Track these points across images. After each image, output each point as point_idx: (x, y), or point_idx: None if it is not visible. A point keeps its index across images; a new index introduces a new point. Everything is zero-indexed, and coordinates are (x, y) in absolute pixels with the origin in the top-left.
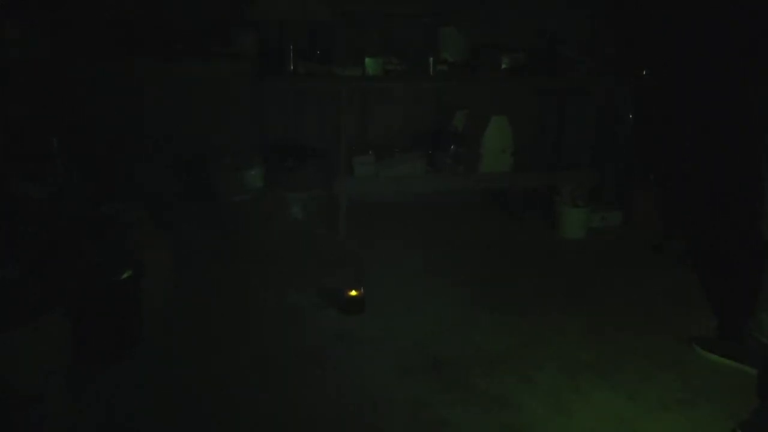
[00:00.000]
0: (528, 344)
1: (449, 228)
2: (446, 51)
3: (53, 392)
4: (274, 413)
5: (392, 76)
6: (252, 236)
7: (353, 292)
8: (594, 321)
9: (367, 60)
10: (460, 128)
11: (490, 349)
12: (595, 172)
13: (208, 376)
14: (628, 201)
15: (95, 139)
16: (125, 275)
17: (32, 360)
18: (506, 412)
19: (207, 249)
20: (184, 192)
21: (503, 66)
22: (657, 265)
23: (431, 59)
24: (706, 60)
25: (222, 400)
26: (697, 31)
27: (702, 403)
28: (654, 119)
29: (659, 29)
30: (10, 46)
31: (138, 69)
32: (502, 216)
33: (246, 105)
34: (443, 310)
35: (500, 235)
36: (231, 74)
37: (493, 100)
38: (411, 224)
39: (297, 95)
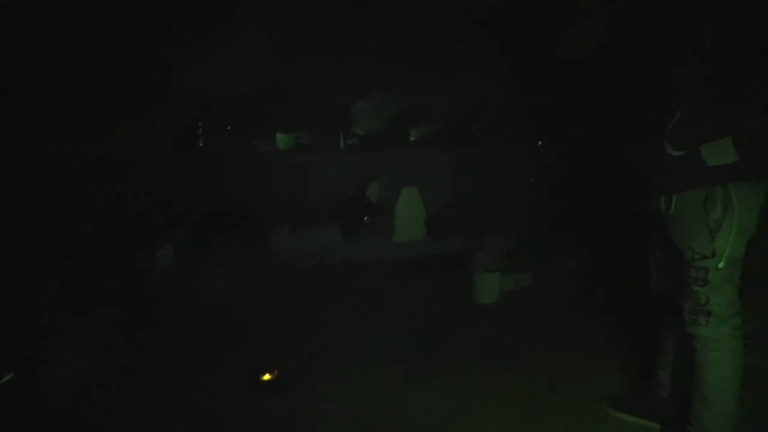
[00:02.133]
0: (456, 412)
1: (370, 296)
2: (359, 124)
3: None
4: None
5: (304, 150)
6: (169, 313)
7: (268, 376)
8: (516, 383)
9: (279, 136)
10: (374, 199)
11: (419, 418)
12: (507, 236)
13: None
14: (541, 262)
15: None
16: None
17: None
18: None
19: (122, 330)
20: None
21: (413, 138)
22: (571, 323)
23: (342, 133)
24: (602, 130)
25: None
26: (595, 103)
27: None
28: (559, 184)
29: (563, 100)
30: None
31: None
32: (421, 282)
33: (163, 174)
34: (368, 381)
35: (419, 301)
36: (142, 148)
37: (406, 170)
38: (330, 293)
39: (215, 167)
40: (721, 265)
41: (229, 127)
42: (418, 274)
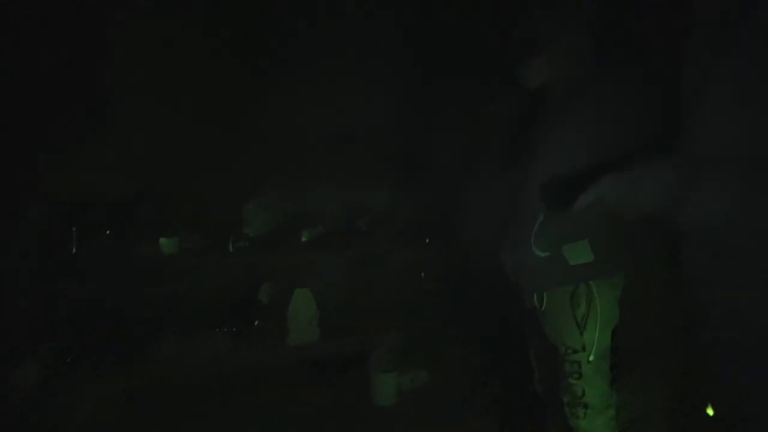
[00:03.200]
0: None
1: (263, 404)
2: (248, 225)
3: None
4: None
5: (190, 254)
6: None
7: None
8: None
9: (163, 240)
10: (266, 301)
11: None
12: (403, 334)
13: None
14: (437, 358)
15: None
16: None
17: None
18: None
19: None
20: None
21: (304, 239)
22: (467, 420)
23: (231, 235)
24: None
25: None
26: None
27: None
28: (448, 279)
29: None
30: None
31: None
32: (317, 385)
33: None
34: None
35: (314, 407)
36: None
37: (298, 272)
38: (220, 403)
39: (91, 274)
40: (591, 357)
41: (107, 231)
42: (313, 377)
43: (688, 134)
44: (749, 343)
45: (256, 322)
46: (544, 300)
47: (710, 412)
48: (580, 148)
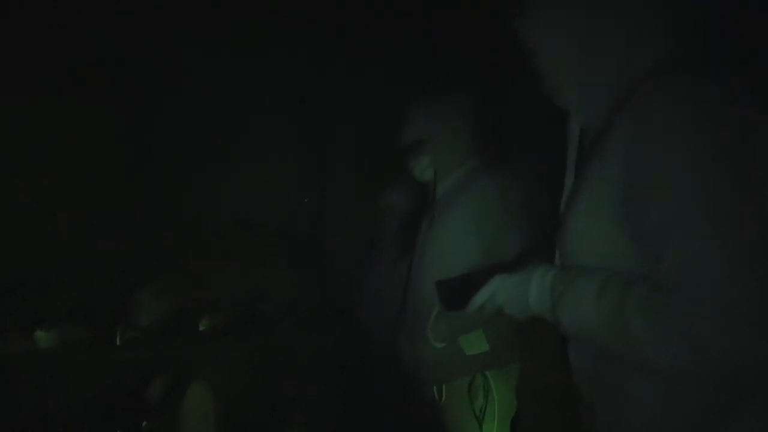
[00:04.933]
0: None
1: None
2: (141, 315)
3: None
4: None
5: (72, 348)
6: None
7: None
8: None
9: (40, 333)
10: (156, 399)
11: None
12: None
13: None
14: None
15: None
16: None
17: None
18: None
19: None
20: None
21: (202, 328)
22: None
23: (119, 327)
24: None
25: None
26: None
27: None
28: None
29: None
30: None
31: None
32: None
33: None
34: None
35: None
36: None
37: (195, 363)
38: None
39: None
40: None
41: None
42: None
43: (560, 240)
44: None
45: (144, 423)
46: (443, 392)
47: None
48: (468, 245)
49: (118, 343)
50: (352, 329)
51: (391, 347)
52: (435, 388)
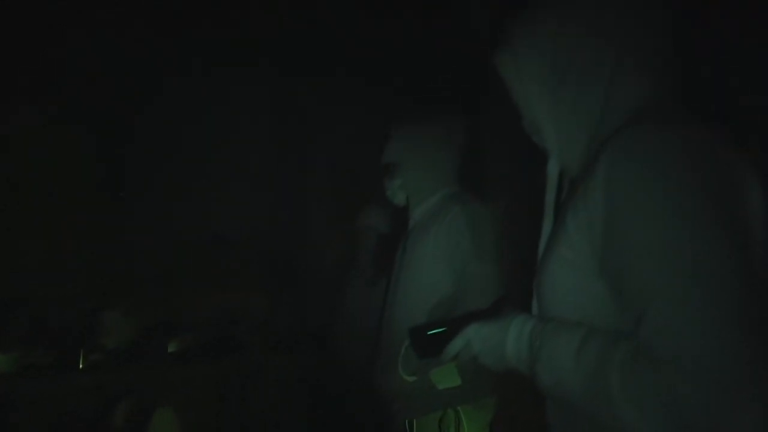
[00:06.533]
0: None
1: None
2: (107, 336)
3: None
4: None
5: (31, 372)
6: None
7: None
8: None
9: None
10: (121, 423)
11: None
12: None
13: None
14: None
15: None
16: None
17: None
18: None
19: None
20: None
21: (171, 349)
22: None
23: (82, 349)
24: None
25: None
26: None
27: None
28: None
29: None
30: None
31: None
32: None
33: None
34: None
35: None
36: None
37: (163, 387)
38: None
39: None
40: None
41: None
42: None
43: (538, 289)
44: None
45: None
46: (414, 426)
47: None
48: (439, 275)
49: (81, 366)
50: (327, 353)
51: (365, 374)
52: (407, 422)
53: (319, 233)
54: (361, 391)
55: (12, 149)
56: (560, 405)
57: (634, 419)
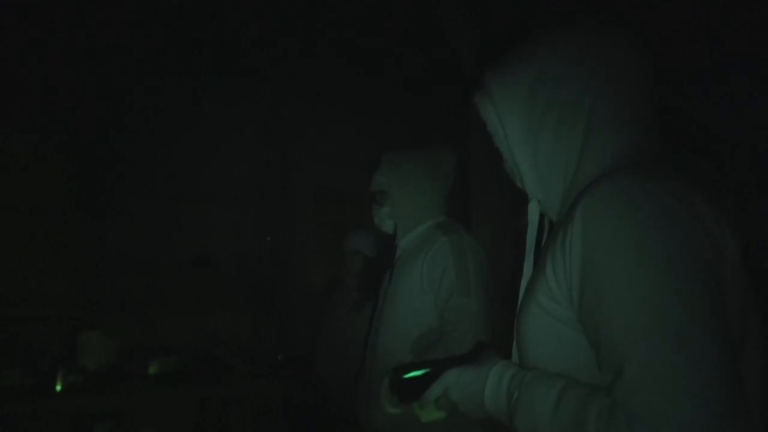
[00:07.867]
0: None
1: None
2: (86, 358)
3: None
4: None
5: (8, 395)
6: None
7: None
8: None
9: None
10: None
11: None
12: None
13: None
14: None
15: None
16: None
17: None
18: None
19: None
20: None
21: (152, 372)
22: None
23: (60, 371)
24: None
25: None
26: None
27: None
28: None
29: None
30: None
31: None
32: None
33: None
34: None
35: None
36: None
37: (142, 410)
38: None
39: None
40: None
41: None
42: None
43: (517, 335)
44: None
45: None
46: None
47: None
48: (423, 306)
49: (59, 388)
50: (310, 378)
51: (348, 401)
52: None
53: (302, 257)
54: (344, 418)
55: None
56: None
57: None
